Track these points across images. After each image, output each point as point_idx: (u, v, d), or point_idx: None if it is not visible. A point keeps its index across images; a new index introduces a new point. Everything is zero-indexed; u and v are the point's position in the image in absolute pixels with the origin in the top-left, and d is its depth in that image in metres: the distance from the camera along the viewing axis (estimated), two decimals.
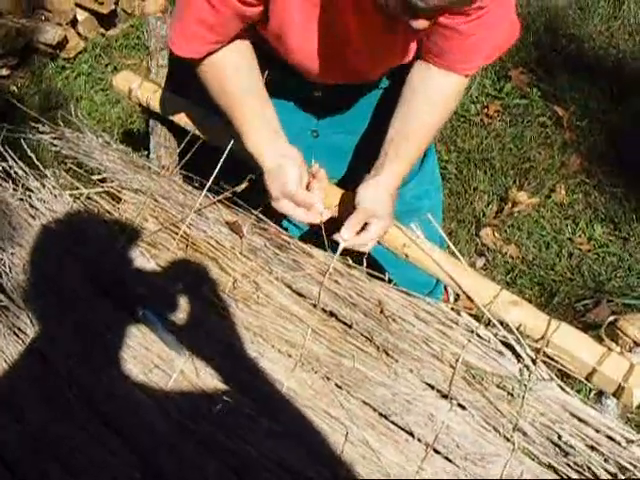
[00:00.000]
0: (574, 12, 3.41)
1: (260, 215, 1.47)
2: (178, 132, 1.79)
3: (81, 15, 3.40)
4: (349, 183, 1.49)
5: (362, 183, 1.35)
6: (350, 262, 1.41)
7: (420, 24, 1.05)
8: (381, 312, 1.31)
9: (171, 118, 1.74)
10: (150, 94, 1.76)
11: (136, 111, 2.99)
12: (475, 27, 1.21)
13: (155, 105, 1.76)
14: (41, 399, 1.44)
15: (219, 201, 1.52)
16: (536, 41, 3.24)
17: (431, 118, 1.37)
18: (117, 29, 3.57)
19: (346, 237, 1.32)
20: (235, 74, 1.36)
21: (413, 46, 1.33)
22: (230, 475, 1.27)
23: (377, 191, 1.33)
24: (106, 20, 3.51)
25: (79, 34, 3.42)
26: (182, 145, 1.71)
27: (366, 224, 1.33)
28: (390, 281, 1.35)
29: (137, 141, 2.83)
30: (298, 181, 1.33)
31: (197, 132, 1.67)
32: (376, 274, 1.36)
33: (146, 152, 1.95)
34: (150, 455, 1.32)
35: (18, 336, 1.55)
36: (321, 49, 1.31)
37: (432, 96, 1.35)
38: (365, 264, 1.37)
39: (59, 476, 1.33)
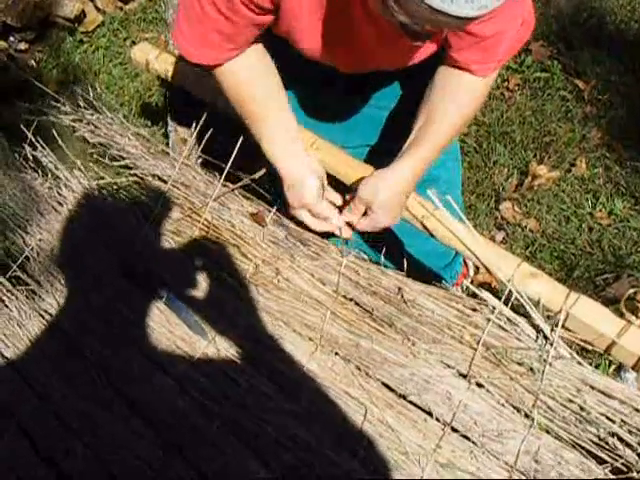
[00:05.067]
0: None
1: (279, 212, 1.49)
2: (196, 104, 1.78)
3: None
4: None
5: (366, 176, 1.37)
6: (365, 256, 1.43)
7: (419, 43, 1.09)
8: (401, 298, 1.31)
9: (189, 90, 1.73)
10: (168, 65, 1.75)
11: (155, 85, 2.99)
12: (486, 28, 1.18)
13: (173, 76, 1.75)
14: (65, 379, 1.47)
15: (240, 190, 1.53)
16: (557, 14, 3.19)
17: (450, 118, 1.35)
18: (135, 3, 3.55)
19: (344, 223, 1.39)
20: (251, 79, 1.37)
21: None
22: (250, 454, 1.29)
23: (378, 183, 1.33)
24: None
25: (97, 8, 3.41)
26: (201, 120, 1.70)
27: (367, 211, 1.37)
28: (408, 274, 1.36)
29: (155, 115, 2.83)
30: (316, 194, 1.38)
31: (215, 104, 1.66)
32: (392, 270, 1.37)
33: (164, 126, 1.95)
34: (171, 435, 1.34)
35: (44, 317, 1.58)
36: (335, 52, 1.31)
37: (450, 97, 1.34)
38: (384, 250, 1.39)
39: (82, 453, 1.36)
